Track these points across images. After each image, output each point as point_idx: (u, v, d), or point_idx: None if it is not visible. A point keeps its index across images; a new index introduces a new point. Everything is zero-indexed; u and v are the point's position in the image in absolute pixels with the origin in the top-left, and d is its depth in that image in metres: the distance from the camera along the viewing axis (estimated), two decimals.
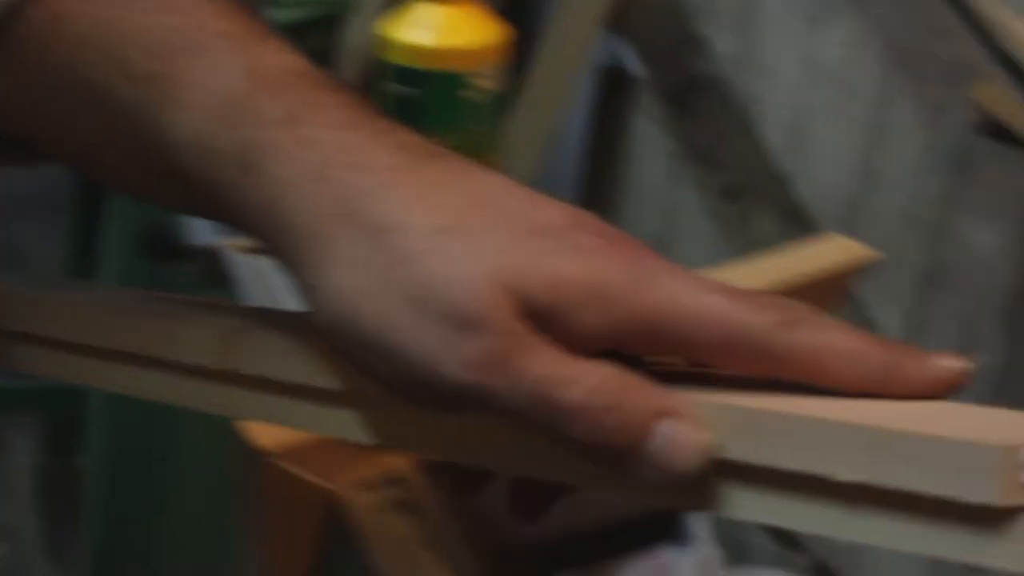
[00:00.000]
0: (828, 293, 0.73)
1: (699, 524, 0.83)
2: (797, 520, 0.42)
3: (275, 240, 0.46)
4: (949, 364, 0.43)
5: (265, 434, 0.75)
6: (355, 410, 0.50)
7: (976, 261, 1.33)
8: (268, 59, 0.47)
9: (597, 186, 1.92)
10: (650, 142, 1.81)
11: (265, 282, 1.21)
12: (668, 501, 0.45)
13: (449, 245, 0.43)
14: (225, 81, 0.46)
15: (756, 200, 1.63)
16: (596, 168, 1.91)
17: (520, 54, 1.58)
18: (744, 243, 1.64)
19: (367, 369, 0.45)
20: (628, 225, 1.89)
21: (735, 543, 1.32)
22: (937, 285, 1.37)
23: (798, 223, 1.56)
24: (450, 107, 1.18)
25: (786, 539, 1.43)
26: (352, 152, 0.45)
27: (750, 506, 0.43)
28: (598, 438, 0.42)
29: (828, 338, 0.43)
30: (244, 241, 1.26)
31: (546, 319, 0.43)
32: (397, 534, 0.70)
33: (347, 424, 0.49)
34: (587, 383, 0.42)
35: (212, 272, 1.31)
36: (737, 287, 0.44)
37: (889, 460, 0.39)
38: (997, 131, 1.29)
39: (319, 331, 0.46)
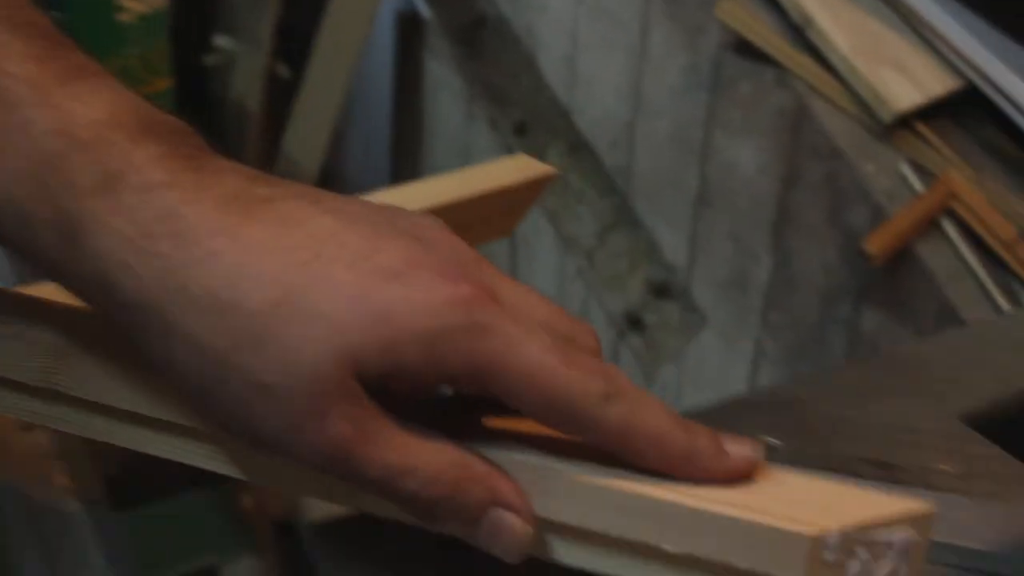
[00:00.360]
0: (506, 207, 0.76)
1: None
2: (630, 573, 0.46)
3: (113, 313, 0.45)
4: (743, 455, 0.46)
5: None
6: (188, 439, 0.50)
7: (741, 179, 1.36)
8: (79, 112, 0.44)
9: (403, 130, 1.93)
10: (445, 83, 1.81)
11: None
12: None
13: (287, 328, 0.42)
14: (37, 143, 0.44)
15: (544, 134, 1.64)
16: (400, 112, 1.91)
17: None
18: None
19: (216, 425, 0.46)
20: (431, 167, 1.90)
21: None
22: (708, 205, 1.40)
23: (582, 153, 1.58)
24: (102, 30, 1.16)
25: None
26: (172, 220, 0.43)
27: (585, 559, 0.46)
28: (433, 522, 0.45)
29: (639, 418, 0.45)
30: None
31: (384, 380, 0.44)
32: (27, 449, 0.70)
33: (180, 451, 0.50)
34: (425, 473, 0.44)
35: None
36: (570, 345, 0.45)
37: (709, 537, 0.44)
38: (747, 49, 1.31)
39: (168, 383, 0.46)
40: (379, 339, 0.43)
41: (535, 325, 0.45)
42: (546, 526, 0.46)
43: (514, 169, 0.83)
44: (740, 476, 0.46)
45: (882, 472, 0.54)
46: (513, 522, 0.45)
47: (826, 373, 0.66)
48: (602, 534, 0.46)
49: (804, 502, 0.45)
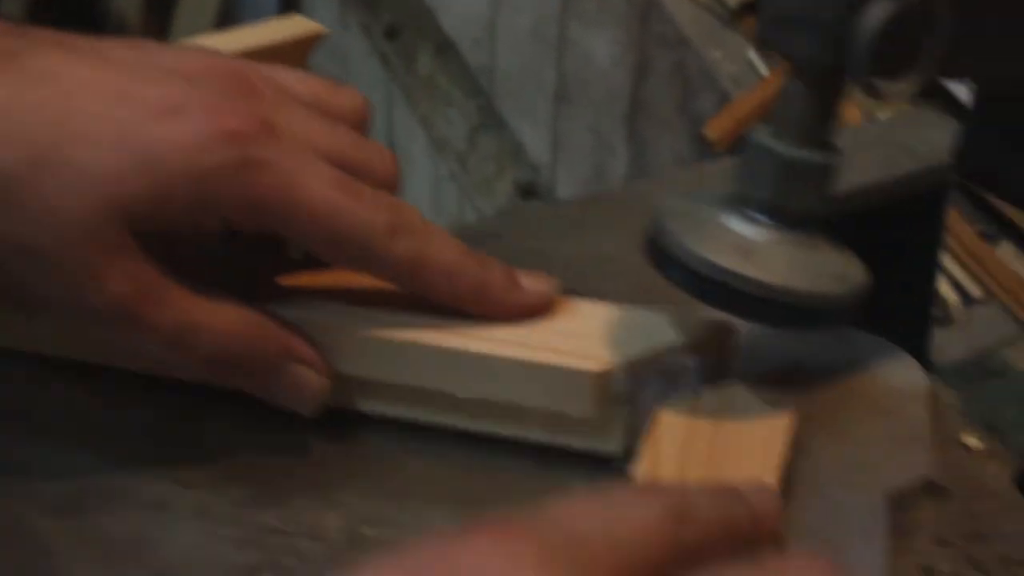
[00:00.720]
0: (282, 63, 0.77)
1: None
2: (430, 418, 0.46)
3: None
4: (537, 289, 0.46)
5: None
6: None
7: (596, 72, 1.34)
8: None
9: None
10: None
11: None
12: None
13: (45, 186, 0.40)
14: None
15: (413, 37, 1.62)
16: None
17: None
18: (411, 80, 1.63)
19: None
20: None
21: None
22: (568, 101, 1.39)
23: (449, 54, 1.56)
24: None
25: None
26: None
27: (383, 408, 0.47)
28: (231, 380, 0.44)
29: (429, 251, 0.44)
30: None
31: (159, 227, 0.42)
32: None
33: None
34: (215, 330, 0.43)
35: None
36: (355, 179, 0.44)
37: (497, 382, 0.44)
38: None
39: None
40: (146, 184, 0.41)
41: (315, 157, 0.43)
42: (342, 379, 0.46)
43: (283, 27, 0.82)
44: (534, 311, 0.46)
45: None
46: (310, 376, 0.45)
47: (532, 207, 0.66)
48: (397, 385, 0.46)
49: (594, 336, 0.45)
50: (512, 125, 1.47)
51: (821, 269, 0.43)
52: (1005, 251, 1.28)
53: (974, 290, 1.10)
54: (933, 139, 0.67)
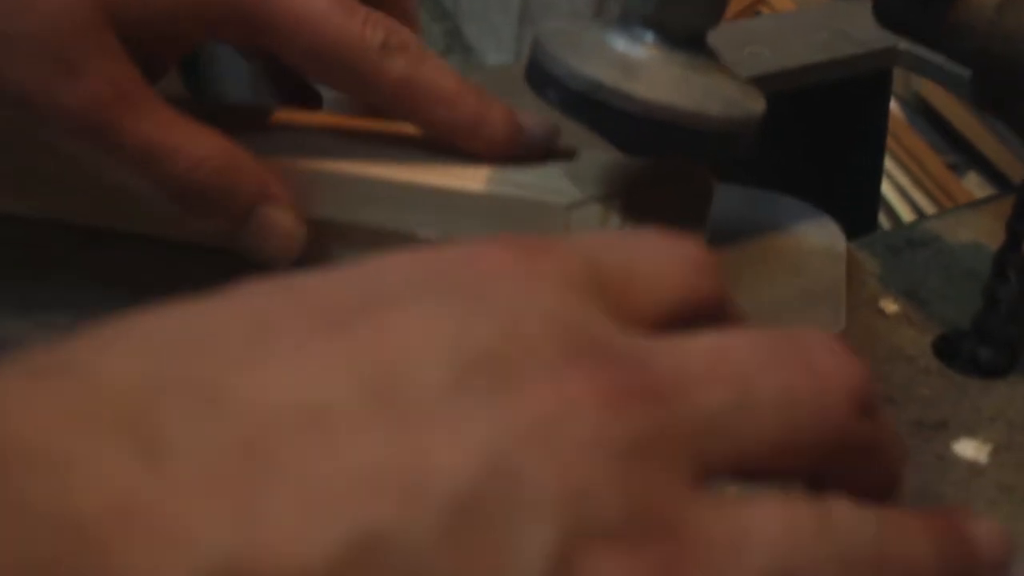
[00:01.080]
0: None
1: None
2: None
3: None
4: (536, 131, 0.43)
5: None
6: None
7: None
8: None
9: None
10: None
11: None
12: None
13: None
14: None
15: None
16: None
17: None
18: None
19: None
20: None
21: None
22: (532, 21, 1.35)
23: None
24: None
25: None
26: None
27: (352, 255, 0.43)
28: (198, 211, 0.41)
29: (427, 74, 0.42)
30: None
31: (142, 34, 0.40)
32: None
33: None
34: (190, 155, 0.40)
35: None
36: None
37: (464, 217, 0.42)
38: None
39: None
40: None
41: None
42: (315, 227, 0.43)
43: None
44: (531, 152, 0.44)
45: None
46: (284, 219, 0.42)
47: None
48: (374, 229, 0.44)
49: (561, 175, 0.43)
50: (478, 48, 1.43)
51: (708, 90, 0.40)
52: (971, 181, 1.26)
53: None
54: (873, 25, 0.64)
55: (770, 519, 0.22)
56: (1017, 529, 0.38)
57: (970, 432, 0.42)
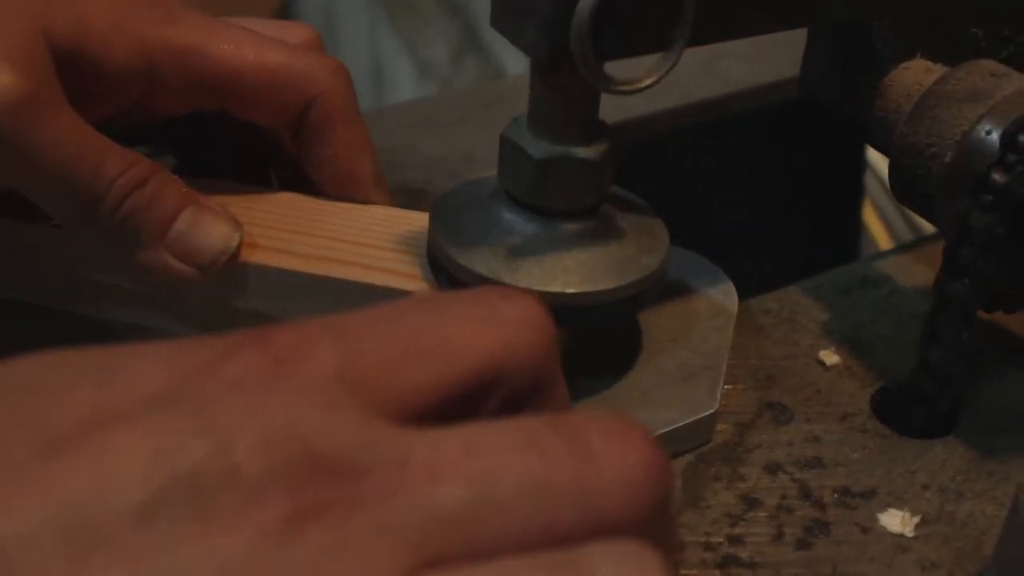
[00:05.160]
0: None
1: None
2: None
3: None
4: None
5: None
6: None
7: None
8: None
9: None
10: None
11: None
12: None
13: None
14: None
15: None
16: None
17: None
18: (393, 2, 1.58)
19: None
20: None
21: None
22: None
23: None
24: None
25: None
26: None
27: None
28: (123, 214, 0.40)
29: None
30: None
31: (75, 60, 0.40)
32: None
33: None
34: (120, 160, 0.40)
35: None
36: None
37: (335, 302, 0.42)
38: None
39: None
40: (69, 17, 0.40)
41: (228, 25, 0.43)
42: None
43: None
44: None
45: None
46: (215, 219, 0.41)
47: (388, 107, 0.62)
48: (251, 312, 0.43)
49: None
50: (495, 48, 1.41)
51: (596, 264, 0.39)
52: None
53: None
54: None
55: None
56: None
57: (899, 501, 0.39)
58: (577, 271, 0.39)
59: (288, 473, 0.22)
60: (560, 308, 0.34)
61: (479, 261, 0.39)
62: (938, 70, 0.42)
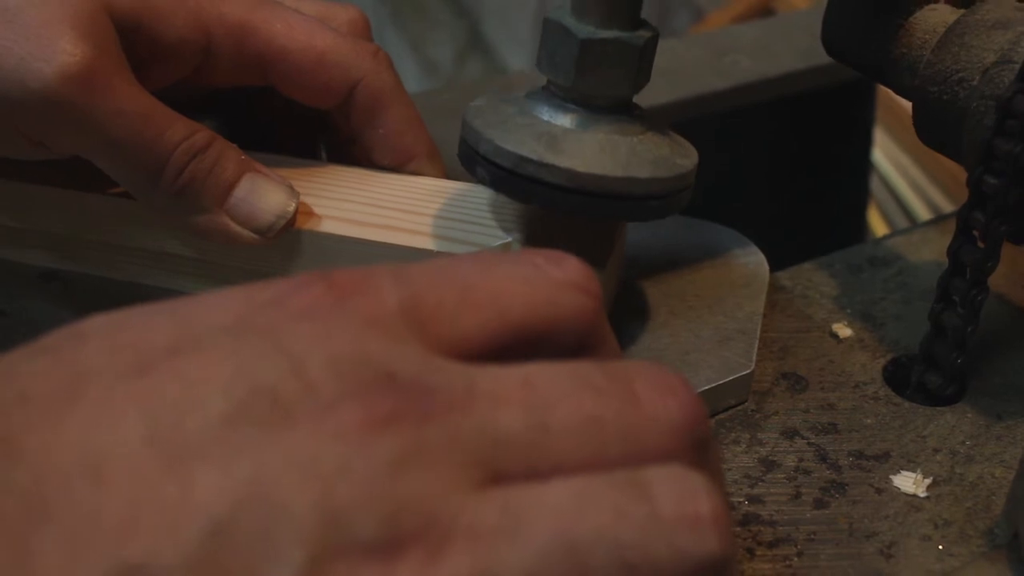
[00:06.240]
0: None
1: None
2: None
3: None
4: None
5: None
6: None
7: None
8: None
9: None
10: None
11: None
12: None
13: None
14: None
15: None
16: None
17: None
18: (400, 1, 1.59)
19: None
20: None
21: None
22: None
23: None
24: None
25: None
26: None
27: None
28: (185, 179, 0.41)
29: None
30: None
31: (135, 32, 0.41)
32: None
33: None
34: (183, 127, 0.41)
35: None
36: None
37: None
38: None
39: None
40: None
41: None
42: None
43: None
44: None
45: None
46: (274, 185, 0.43)
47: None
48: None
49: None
50: (499, 48, 1.43)
51: (634, 154, 0.40)
52: None
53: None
54: None
55: (555, 500, 0.24)
56: (951, 566, 0.37)
57: (912, 464, 0.41)
58: (616, 159, 0.39)
59: (360, 388, 0.24)
60: (601, 194, 0.36)
61: (522, 144, 0.39)
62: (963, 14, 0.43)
